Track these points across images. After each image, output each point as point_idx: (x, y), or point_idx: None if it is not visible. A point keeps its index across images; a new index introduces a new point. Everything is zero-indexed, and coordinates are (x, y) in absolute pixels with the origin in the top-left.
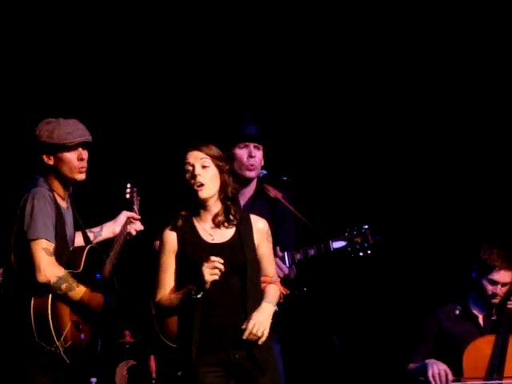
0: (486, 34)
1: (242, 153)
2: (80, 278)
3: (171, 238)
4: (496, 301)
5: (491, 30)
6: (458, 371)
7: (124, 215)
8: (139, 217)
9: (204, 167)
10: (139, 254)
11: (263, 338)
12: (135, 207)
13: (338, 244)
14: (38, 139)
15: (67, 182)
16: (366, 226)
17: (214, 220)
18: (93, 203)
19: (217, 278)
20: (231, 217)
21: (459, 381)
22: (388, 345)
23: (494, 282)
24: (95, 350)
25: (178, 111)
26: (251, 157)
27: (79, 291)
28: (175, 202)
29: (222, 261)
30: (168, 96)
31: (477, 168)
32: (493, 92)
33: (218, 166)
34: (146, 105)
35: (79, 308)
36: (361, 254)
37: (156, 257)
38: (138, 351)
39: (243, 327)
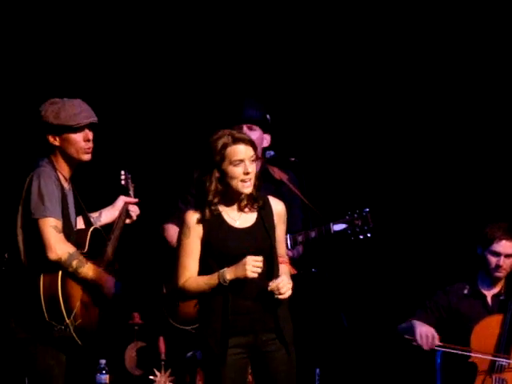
0: (486, 34)
1: None
2: (86, 258)
3: (195, 221)
4: (501, 274)
5: (491, 30)
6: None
7: (121, 200)
8: (137, 200)
9: (251, 162)
10: (147, 236)
11: (285, 295)
12: (131, 193)
13: (338, 227)
14: (44, 120)
15: (72, 163)
16: (367, 209)
17: (237, 205)
18: (88, 190)
19: (256, 276)
20: (255, 202)
21: (444, 347)
22: (397, 324)
23: (497, 254)
24: (104, 330)
25: (178, 98)
26: None
27: (89, 268)
28: (201, 186)
29: (262, 260)
30: (167, 82)
31: (482, 145)
32: (492, 81)
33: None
34: (142, 90)
35: (88, 287)
36: (361, 236)
37: (163, 240)
38: (147, 333)
39: (270, 283)
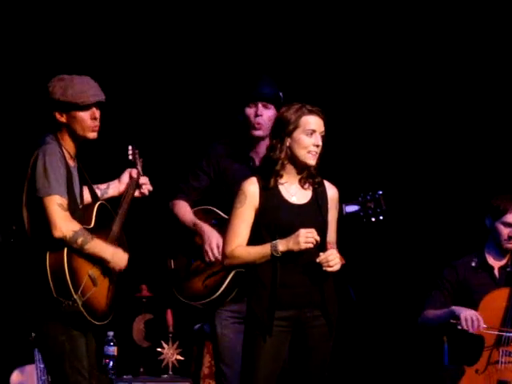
0: (486, 34)
1: (250, 111)
2: (92, 233)
3: (253, 191)
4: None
5: (491, 30)
6: None
7: (127, 174)
8: (146, 177)
9: (321, 137)
10: (156, 210)
11: (334, 268)
12: (139, 167)
13: (350, 208)
14: (51, 96)
15: (78, 140)
16: (380, 192)
17: (298, 180)
18: (96, 165)
19: (311, 246)
20: (315, 180)
21: (489, 329)
22: (405, 298)
23: (510, 224)
24: (113, 304)
25: (191, 73)
26: (257, 115)
27: (95, 244)
28: (268, 156)
29: (316, 235)
30: (181, 57)
31: (488, 122)
32: (491, 72)
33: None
34: (153, 64)
35: (96, 262)
36: (373, 219)
37: (173, 215)
38: (155, 305)
39: (320, 254)
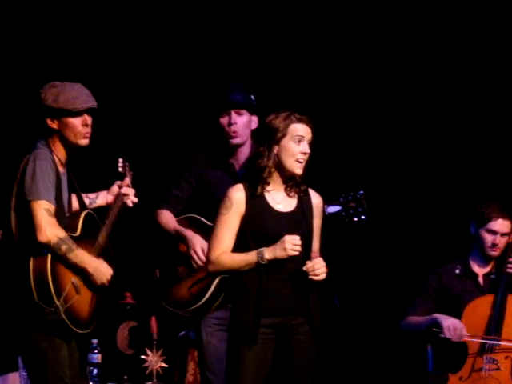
0: (486, 34)
1: (223, 121)
2: (78, 241)
3: (239, 198)
4: (495, 253)
5: (491, 30)
6: None
7: (117, 186)
8: (133, 190)
9: (308, 146)
10: (140, 218)
11: (320, 277)
12: (128, 180)
13: (332, 209)
14: (43, 102)
15: (70, 147)
16: (362, 192)
17: (284, 188)
18: (85, 176)
19: (296, 253)
20: (300, 188)
21: (473, 337)
22: (389, 305)
23: (493, 232)
24: (96, 312)
25: (172, 88)
26: (231, 124)
27: (79, 254)
28: (255, 164)
29: (299, 239)
30: (161, 73)
31: (474, 126)
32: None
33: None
34: (137, 81)
35: (78, 269)
36: (355, 219)
37: (157, 224)
38: (139, 312)
39: (307, 262)
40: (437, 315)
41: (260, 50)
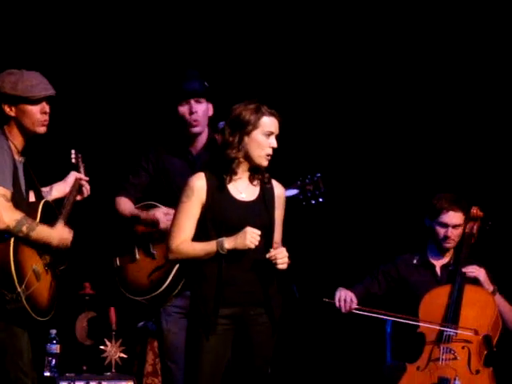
0: (486, 34)
1: (183, 110)
2: None
3: (200, 186)
4: (449, 245)
5: (491, 30)
6: (414, 319)
7: (73, 176)
8: (87, 178)
9: (276, 137)
10: (98, 208)
11: (282, 265)
12: (82, 171)
13: (290, 192)
14: (1, 90)
15: (27, 135)
16: (319, 174)
17: (248, 176)
18: (39, 165)
19: (253, 246)
20: (264, 178)
21: (362, 310)
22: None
23: (444, 225)
24: (55, 300)
25: (127, 76)
26: (192, 113)
27: (41, 230)
28: (224, 154)
29: (260, 234)
30: (117, 61)
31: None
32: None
33: None
34: (94, 69)
35: (41, 252)
36: (313, 202)
37: (116, 212)
38: (98, 303)
39: (270, 250)
40: (340, 287)
41: (206, 34)
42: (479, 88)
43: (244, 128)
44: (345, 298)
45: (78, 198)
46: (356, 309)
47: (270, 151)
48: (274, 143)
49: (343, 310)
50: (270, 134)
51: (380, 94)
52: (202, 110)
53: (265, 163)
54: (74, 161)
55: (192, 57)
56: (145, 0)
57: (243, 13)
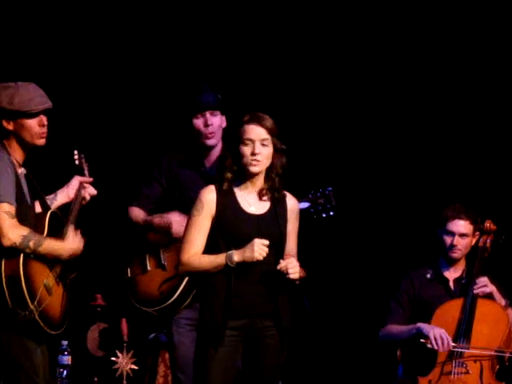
0: (486, 34)
1: (198, 122)
2: None
3: (210, 199)
4: (455, 254)
5: (491, 30)
6: None
7: (76, 179)
8: (91, 179)
9: (263, 145)
10: (109, 219)
11: (294, 276)
12: (86, 172)
13: (301, 205)
14: None
15: (26, 148)
16: (330, 188)
17: (256, 191)
18: (43, 173)
19: (261, 258)
20: (275, 192)
21: (457, 347)
22: (361, 308)
23: (450, 233)
24: (67, 312)
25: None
26: (207, 125)
27: (49, 243)
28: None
29: (267, 244)
30: (129, 62)
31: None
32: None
33: (274, 145)
34: (101, 69)
35: (51, 265)
36: (323, 215)
37: (127, 222)
38: (110, 314)
39: (280, 261)
40: (420, 324)
41: (221, 48)
42: (494, 100)
43: (232, 141)
44: (440, 336)
45: (83, 202)
46: (453, 347)
47: (252, 157)
48: (255, 149)
49: (441, 350)
50: (248, 141)
51: (393, 109)
52: (216, 122)
53: (253, 169)
54: (77, 162)
55: (204, 69)
56: (161, 14)
57: (258, 26)
